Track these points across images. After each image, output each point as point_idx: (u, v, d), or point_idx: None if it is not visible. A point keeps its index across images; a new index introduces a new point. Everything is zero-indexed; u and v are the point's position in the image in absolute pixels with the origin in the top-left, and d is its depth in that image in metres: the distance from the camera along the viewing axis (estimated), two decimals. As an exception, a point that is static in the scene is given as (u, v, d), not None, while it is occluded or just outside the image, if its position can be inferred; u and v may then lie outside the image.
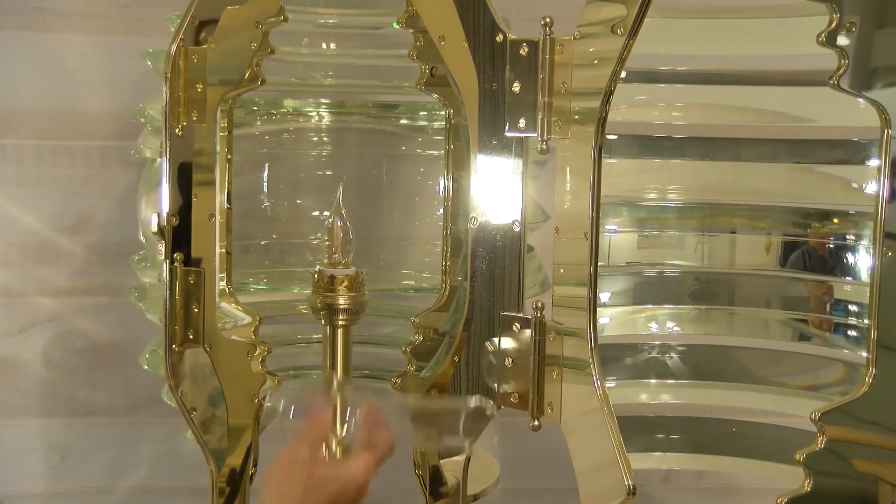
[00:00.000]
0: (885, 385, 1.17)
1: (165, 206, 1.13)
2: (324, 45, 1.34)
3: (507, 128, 1.09)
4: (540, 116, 1.06)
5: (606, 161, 1.03)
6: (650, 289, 1.37)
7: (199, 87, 1.14)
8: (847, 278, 1.28)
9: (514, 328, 1.10)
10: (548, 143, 1.06)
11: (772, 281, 1.35)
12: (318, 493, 1.01)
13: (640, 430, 1.37)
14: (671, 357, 1.38)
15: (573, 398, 1.05)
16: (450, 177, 1.30)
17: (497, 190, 1.10)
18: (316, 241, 1.37)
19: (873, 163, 1.20)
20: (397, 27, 1.24)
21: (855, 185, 1.26)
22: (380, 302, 1.34)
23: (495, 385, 1.12)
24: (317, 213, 1.38)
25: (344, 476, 1.02)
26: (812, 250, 1.31)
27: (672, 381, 1.37)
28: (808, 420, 1.19)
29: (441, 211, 1.32)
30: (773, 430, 1.35)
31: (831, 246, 1.29)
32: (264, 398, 1.23)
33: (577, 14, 1.04)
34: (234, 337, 1.24)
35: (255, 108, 1.36)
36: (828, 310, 1.29)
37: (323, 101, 1.38)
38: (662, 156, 1.33)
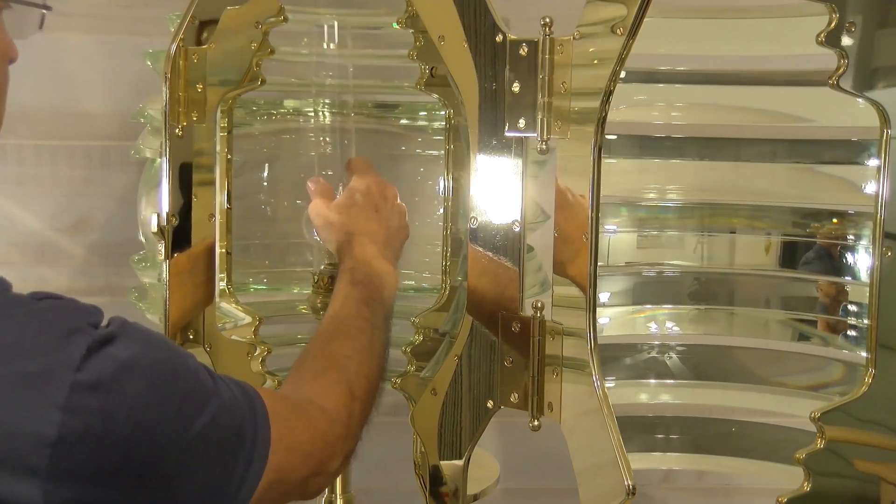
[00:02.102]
0: (885, 385, 1.17)
1: (165, 206, 1.13)
2: (324, 45, 1.34)
3: (506, 128, 1.09)
4: (540, 116, 1.06)
5: (606, 161, 1.02)
6: (650, 289, 1.37)
7: (199, 87, 1.14)
8: (847, 278, 1.28)
9: (514, 328, 1.10)
10: (547, 142, 1.06)
11: (772, 281, 1.35)
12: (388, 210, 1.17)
13: (640, 430, 1.37)
14: (671, 357, 1.38)
15: (573, 398, 1.05)
16: (450, 177, 1.30)
17: (497, 190, 1.10)
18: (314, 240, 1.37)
19: (873, 163, 1.20)
20: (397, 27, 1.24)
21: (855, 185, 1.26)
22: (380, 302, 1.33)
23: (495, 385, 1.12)
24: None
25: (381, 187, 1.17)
26: (823, 249, 1.30)
27: (672, 381, 1.37)
28: (808, 420, 1.19)
29: (441, 211, 1.32)
30: (773, 430, 1.35)
31: (836, 246, 1.30)
32: None
33: (577, 14, 1.04)
34: (234, 337, 1.24)
35: (255, 108, 1.36)
36: (839, 311, 1.29)
37: (323, 101, 1.38)
38: (662, 156, 1.33)
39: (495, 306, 1.11)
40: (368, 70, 1.36)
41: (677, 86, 1.31)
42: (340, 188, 1.24)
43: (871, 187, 1.21)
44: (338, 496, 1.28)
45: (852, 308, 1.27)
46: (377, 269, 1.10)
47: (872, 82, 1.18)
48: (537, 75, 1.06)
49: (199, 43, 1.14)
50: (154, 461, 0.75)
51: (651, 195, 1.35)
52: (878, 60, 1.18)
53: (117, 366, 0.73)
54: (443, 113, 1.30)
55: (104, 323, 0.78)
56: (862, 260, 1.25)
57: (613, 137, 1.27)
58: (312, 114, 1.37)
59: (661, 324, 1.37)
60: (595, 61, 1.02)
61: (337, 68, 1.34)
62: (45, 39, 0.98)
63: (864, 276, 1.24)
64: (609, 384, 1.18)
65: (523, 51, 1.07)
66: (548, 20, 1.05)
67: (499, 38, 1.08)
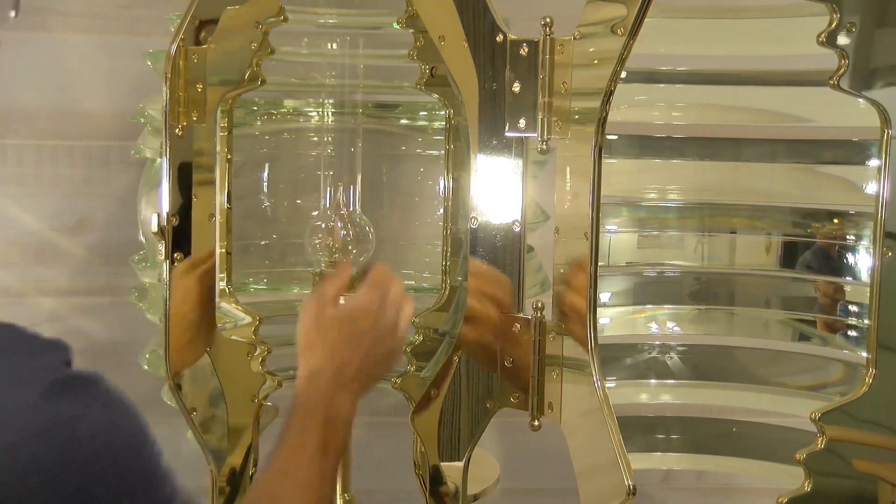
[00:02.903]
0: (885, 385, 1.17)
1: (165, 206, 1.13)
2: (328, 46, 1.34)
3: (507, 128, 1.09)
4: (540, 116, 1.06)
5: (606, 161, 1.03)
6: (650, 289, 1.37)
7: (199, 87, 1.14)
8: (847, 278, 1.28)
9: (514, 328, 1.10)
10: (548, 143, 1.06)
11: (772, 281, 1.35)
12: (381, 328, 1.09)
13: (640, 430, 1.37)
14: (671, 357, 1.38)
15: (573, 398, 1.05)
16: (450, 177, 1.30)
17: (497, 190, 1.10)
18: (316, 241, 1.37)
19: (873, 163, 1.20)
20: (397, 27, 1.24)
21: (855, 185, 1.26)
22: (380, 302, 1.33)
23: (495, 385, 1.12)
24: (317, 212, 1.38)
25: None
26: (821, 249, 1.30)
27: (672, 381, 1.37)
28: (808, 420, 1.19)
29: (441, 211, 1.32)
30: (773, 430, 1.35)
31: (835, 246, 1.30)
32: (265, 398, 1.23)
33: (577, 14, 1.04)
34: (234, 337, 1.24)
35: (255, 108, 1.36)
36: (838, 311, 1.29)
37: (325, 100, 1.38)
38: (662, 156, 1.33)
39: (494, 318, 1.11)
40: (369, 70, 1.36)
41: (677, 86, 1.31)
42: (340, 188, 1.24)
43: (871, 187, 1.21)
44: (338, 496, 1.28)
45: (852, 308, 1.27)
46: (338, 411, 1.05)
47: (872, 82, 1.18)
48: (538, 75, 1.06)
49: (199, 43, 1.14)
50: None
51: (651, 195, 1.35)
52: (878, 60, 1.18)
53: (75, 416, 0.69)
54: (443, 113, 1.30)
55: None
56: (862, 260, 1.25)
57: (614, 137, 1.27)
58: (314, 114, 1.37)
59: (662, 324, 1.37)
60: (595, 61, 1.02)
61: (340, 68, 1.35)
62: (45, 39, 0.98)
63: (864, 276, 1.24)
64: (609, 384, 1.18)
65: (523, 51, 1.07)
66: (548, 20, 1.05)
67: (499, 38, 1.08)
